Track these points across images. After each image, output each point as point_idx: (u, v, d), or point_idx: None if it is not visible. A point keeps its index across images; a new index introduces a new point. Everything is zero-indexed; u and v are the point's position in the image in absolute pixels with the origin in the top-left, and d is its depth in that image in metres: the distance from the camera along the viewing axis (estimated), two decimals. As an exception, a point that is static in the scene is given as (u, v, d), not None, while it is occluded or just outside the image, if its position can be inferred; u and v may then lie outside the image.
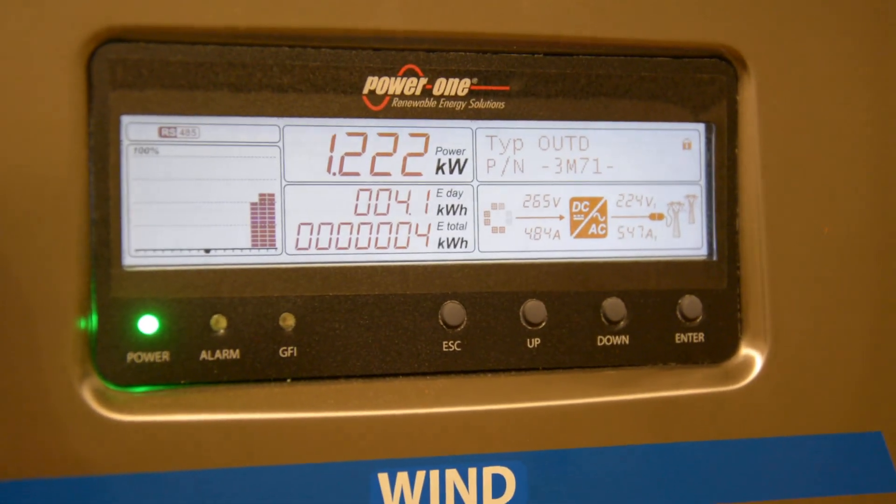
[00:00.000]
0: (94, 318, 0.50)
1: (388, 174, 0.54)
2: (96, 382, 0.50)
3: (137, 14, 0.50)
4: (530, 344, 0.55)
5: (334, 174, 0.53)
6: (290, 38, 0.52)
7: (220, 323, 0.51)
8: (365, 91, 0.53)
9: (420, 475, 0.52)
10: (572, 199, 0.56)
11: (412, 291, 0.54)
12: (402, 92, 0.54)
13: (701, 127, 0.57)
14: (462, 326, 0.54)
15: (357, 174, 0.53)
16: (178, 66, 0.51)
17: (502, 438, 0.53)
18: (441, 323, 0.54)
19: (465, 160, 0.55)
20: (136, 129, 0.51)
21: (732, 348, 0.57)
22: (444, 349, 0.54)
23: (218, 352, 0.51)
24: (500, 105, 0.55)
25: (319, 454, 0.51)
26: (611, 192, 0.57)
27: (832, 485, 0.57)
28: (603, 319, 0.56)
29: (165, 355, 0.51)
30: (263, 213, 0.52)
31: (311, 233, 0.53)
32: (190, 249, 0.51)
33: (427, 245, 0.54)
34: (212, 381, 0.51)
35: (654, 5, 0.55)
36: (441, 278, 0.54)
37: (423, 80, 0.54)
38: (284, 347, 0.52)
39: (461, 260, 0.55)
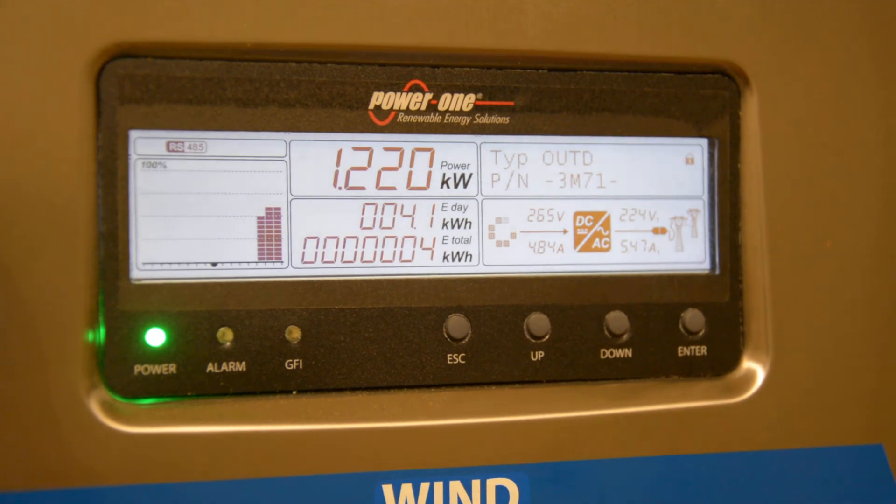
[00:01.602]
0: (102, 331, 0.50)
1: (393, 188, 0.54)
2: (104, 394, 0.50)
3: (146, 30, 0.50)
4: (534, 357, 0.55)
5: (340, 188, 0.54)
6: (296, 53, 0.52)
7: (226, 335, 0.52)
8: (371, 106, 0.54)
9: (424, 487, 0.52)
10: (576, 213, 0.57)
11: (417, 304, 0.54)
12: (408, 107, 0.54)
13: (704, 142, 0.58)
14: (466, 339, 0.55)
15: (363, 188, 0.54)
16: (186, 81, 0.51)
17: (506, 450, 0.53)
18: (445, 336, 0.54)
19: (470, 174, 0.55)
20: (144, 144, 0.51)
21: (734, 361, 0.58)
22: (449, 362, 0.55)
23: (224, 364, 0.52)
24: (505, 120, 0.55)
25: (324, 466, 0.51)
26: (614, 206, 0.57)
27: (833, 497, 0.57)
28: (606, 332, 0.56)
29: (172, 367, 0.51)
30: (270, 227, 0.53)
31: (317, 246, 0.53)
32: (197, 263, 0.52)
33: (432, 259, 0.55)
34: (218, 394, 0.52)
35: (657, 22, 0.56)
36: (446, 291, 0.55)
37: (429, 96, 0.54)
38: (290, 360, 0.53)
39: (466, 273, 0.55)
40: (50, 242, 0.49)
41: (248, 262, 0.53)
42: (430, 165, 0.55)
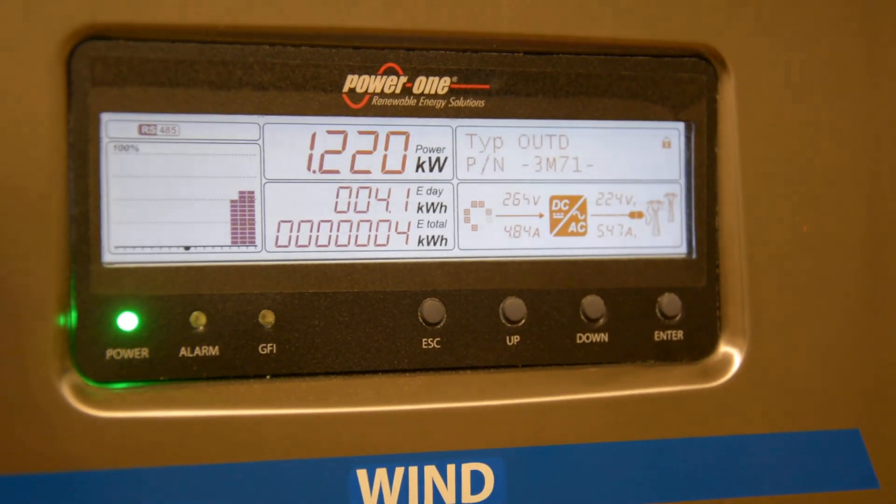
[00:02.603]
0: (74, 315, 0.50)
1: (368, 172, 0.54)
2: (75, 379, 0.50)
3: (118, 11, 0.50)
4: (509, 341, 0.55)
5: (314, 172, 0.53)
6: (270, 35, 0.52)
7: (199, 320, 0.52)
8: (345, 89, 0.53)
9: (399, 471, 0.52)
10: (552, 198, 0.56)
11: (392, 289, 0.54)
12: (383, 90, 0.54)
13: (681, 126, 0.58)
14: (441, 324, 0.55)
15: (337, 172, 0.54)
16: (158, 63, 0.51)
17: (481, 435, 0.53)
18: (420, 320, 0.54)
19: (446, 158, 0.55)
20: (115, 127, 0.51)
21: (711, 346, 0.58)
22: (424, 346, 0.54)
23: (197, 348, 0.52)
24: (480, 103, 0.55)
25: (299, 450, 0.51)
26: (591, 190, 0.57)
27: (810, 482, 0.57)
28: (582, 317, 0.56)
29: (145, 352, 0.51)
30: (243, 211, 0.53)
31: (291, 230, 0.53)
32: (170, 247, 0.52)
33: (407, 243, 0.55)
34: (191, 378, 0.52)
35: (634, 5, 0.56)
36: (421, 276, 0.54)
37: (404, 79, 0.54)
38: (264, 344, 0.52)
39: (441, 257, 0.55)
40: (21, 226, 0.49)
41: (222, 246, 0.52)
42: (405, 149, 0.54)
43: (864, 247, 0.58)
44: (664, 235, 0.58)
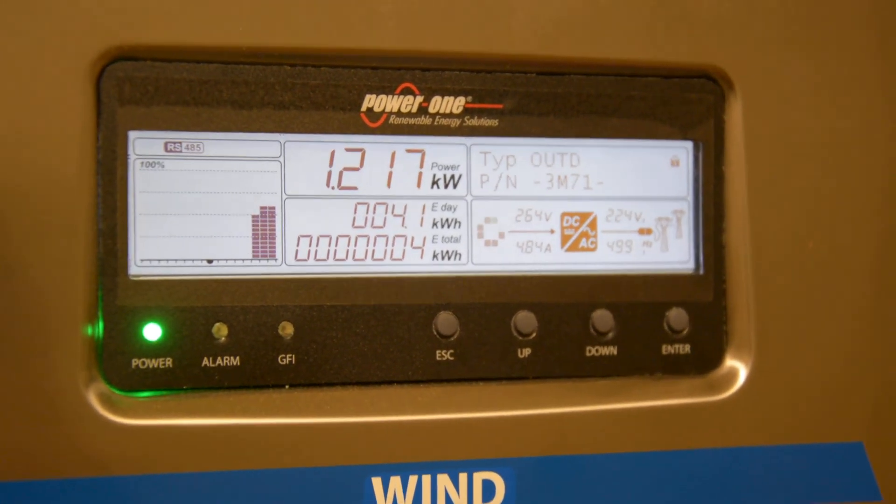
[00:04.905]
0: (101, 326, 0.52)
1: (385, 188, 0.56)
2: (102, 387, 0.51)
3: (145, 34, 0.51)
4: (521, 354, 0.57)
5: (333, 188, 0.55)
6: (291, 56, 0.54)
7: (221, 331, 0.53)
8: (363, 108, 0.55)
9: (412, 480, 0.53)
10: (563, 214, 0.58)
11: (407, 302, 0.55)
12: (399, 109, 0.55)
13: (689, 145, 0.59)
14: (455, 336, 0.56)
15: (355, 188, 0.55)
16: (184, 83, 0.53)
17: (493, 445, 0.55)
18: (435, 333, 0.56)
19: (460, 175, 0.57)
20: (142, 144, 0.53)
21: (718, 360, 0.59)
22: (438, 358, 0.56)
23: (219, 359, 0.53)
24: (494, 122, 0.56)
25: (315, 458, 0.52)
26: (600, 207, 0.58)
27: (814, 494, 0.58)
28: (592, 330, 0.58)
29: (169, 361, 0.53)
30: (264, 226, 0.54)
31: (311, 245, 0.55)
32: (193, 260, 0.53)
33: (422, 257, 0.56)
34: (213, 387, 0.53)
35: (643, 27, 0.57)
36: (435, 289, 0.56)
37: (420, 98, 0.56)
38: (283, 355, 0.54)
39: (455, 272, 0.56)
40: (51, 239, 0.50)
41: (243, 260, 0.54)
42: (421, 166, 0.56)
43: (869, 263, 0.59)
44: (672, 251, 0.59)
